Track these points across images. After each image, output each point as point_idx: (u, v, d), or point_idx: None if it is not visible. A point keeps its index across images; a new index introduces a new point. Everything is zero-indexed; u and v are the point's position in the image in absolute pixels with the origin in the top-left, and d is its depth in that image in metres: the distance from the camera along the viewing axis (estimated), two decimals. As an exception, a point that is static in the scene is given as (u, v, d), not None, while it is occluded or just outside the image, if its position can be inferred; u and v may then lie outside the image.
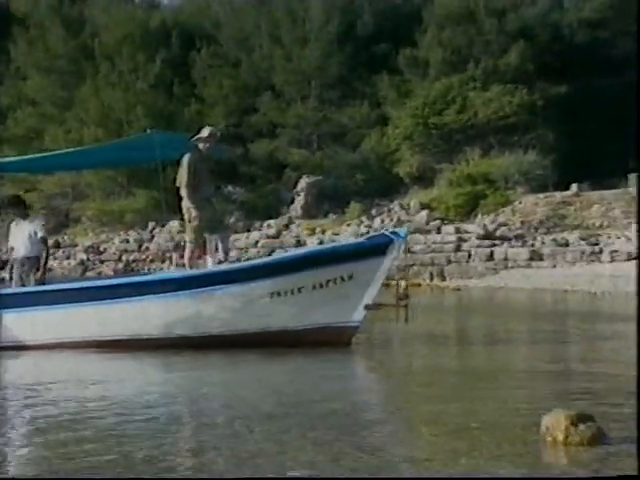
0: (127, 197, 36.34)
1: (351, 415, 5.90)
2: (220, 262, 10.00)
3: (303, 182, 33.84)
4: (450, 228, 27.93)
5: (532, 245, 26.41)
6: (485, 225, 27.84)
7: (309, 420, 5.64)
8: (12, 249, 10.40)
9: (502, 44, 34.80)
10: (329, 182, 34.01)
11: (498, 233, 27.32)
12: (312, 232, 30.67)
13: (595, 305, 16.27)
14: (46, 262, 10.31)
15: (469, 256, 26.65)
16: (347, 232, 29.70)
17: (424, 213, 29.74)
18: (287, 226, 32.19)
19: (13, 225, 10.53)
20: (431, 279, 25.91)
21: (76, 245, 33.48)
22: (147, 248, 32.40)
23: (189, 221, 10.09)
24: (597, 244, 25.56)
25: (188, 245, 10.34)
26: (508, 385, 7.44)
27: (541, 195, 29.14)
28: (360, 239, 11.32)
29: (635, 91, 34.94)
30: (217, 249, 10.10)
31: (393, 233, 9.48)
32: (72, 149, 13.53)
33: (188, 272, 10.03)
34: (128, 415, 5.93)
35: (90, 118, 37.05)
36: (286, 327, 9.22)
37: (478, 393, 6.91)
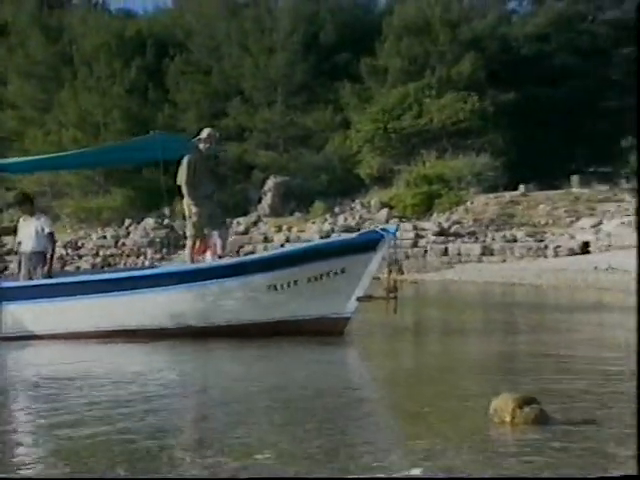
0: (104, 195, 36.06)
1: (324, 398, 5.90)
2: (220, 257, 9.92)
3: (270, 182, 33.80)
4: (408, 225, 28.05)
5: (483, 241, 26.62)
6: (440, 223, 28.01)
7: (290, 401, 5.65)
8: (20, 244, 10.29)
9: (455, 54, 35.00)
10: (295, 182, 33.99)
11: (452, 230, 27.51)
12: (279, 229, 30.65)
13: (540, 297, 16.44)
14: (52, 256, 10.19)
15: (425, 251, 26.81)
16: (312, 229, 29.73)
17: (384, 211, 29.86)
18: (255, 223, 32.13)
19: (21, 221, 10.41)
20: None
21: (56, 241, 33.10)
22: (123, 244, 32.16)
23: (189, 217, 10.02)
24: (542, 241, 25.82)
25: (189, 240, 10.23)
26: (460, 371, 7.52)
27: (491, 195, 29.37)
28: (352, 235, 11.31)
29: (579, 100, 35.14)
30: (216, 244, 10.03)
31: (384, 230, 9.47)
32: (82, 149, 13.27)
33: (190, 266, 9.90)
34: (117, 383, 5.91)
35: (69, 121, 36.71)
36: (283, 318, 9.15)
37: (433, 379, 6.98)
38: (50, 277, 10.00)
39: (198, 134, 10.19)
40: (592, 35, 37.33)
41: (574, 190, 29.34)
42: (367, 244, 9.21)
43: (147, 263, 29.46)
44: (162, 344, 8.96)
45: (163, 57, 38.67)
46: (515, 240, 26.23)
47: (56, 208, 36.13)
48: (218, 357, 8.56)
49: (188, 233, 10.27)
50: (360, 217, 30.08)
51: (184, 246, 32.73)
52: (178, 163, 9.96)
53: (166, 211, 33.64)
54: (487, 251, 25.96)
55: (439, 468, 4.01)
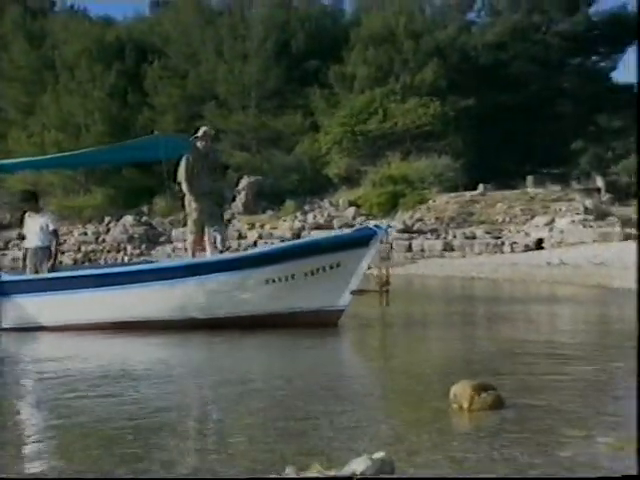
0: (85, 194, 35.74)
1: (300, 384, 5.90)
2: (221, 252, 9.82)
3: (244, 182, 33.68)
4: (374, 223, 28.06)
5: (445, 238, 26.75)
6: (404, 220, 28.10)
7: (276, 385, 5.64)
8: (25, 239, 10.20)
9: (418, 62, 35.12)
10: (267, 182, 33.91)
11: (415, 227, 27.61)
12: (252, 227, 30.56)
13: (497, 290, 16.55)
14: (57, 252, 10.08)
15: (390, 247, 26.84)
16: (284, 227, 29.68)
17: (351, 210, 29.89)
18: (230, 221, 31.99)
19: (27, 217, 10.28)
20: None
21: (38, 237, 32.78)
22: (103, 240, 31.91)
23: (190, 214, 9.91)
24: (500, 237, 26.01)
25: (189, 235, 10.12)
26: (423, 360, 7.54)
27: (452, 194, 29.51)
28: (347, 231, 11.25)
29: (536, 105, 35.35)
30: (216, 240, 9.92)
31: (376, 226, 9.44)
32: (88, 149, 12.96)
33: (191, 260, 9.79)
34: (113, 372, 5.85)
35: (51, 123, 36.33)
36: (281, 310, 9.07)
37: (397, 367, 7.00)
38: (54, 271, 9.89)
39: (195, 133, 10.08)
40: (545, 45, 37.63)
41: (529, 190, 29.58)
42: (361, 240, 9.14)
43: (126, 258, 29.29)
44: (162, 336, 8.81)
45: (142, 62, 38.38)
46: (474, 237, 26.39)
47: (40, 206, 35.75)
48: (221, 349, 8.48)
49: (189, 229, 10.15)
50: (329, 215, 30.08)
51: (162, 242, 32.54)
52: (177, 162, 9.88)
53: (144, 209, 33.45)
54: (448, 247, 26.09)
55: (401, 451, 4.01)
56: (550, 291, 15.36)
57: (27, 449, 4.34)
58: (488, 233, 26.41)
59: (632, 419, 4.73)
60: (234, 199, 33.60)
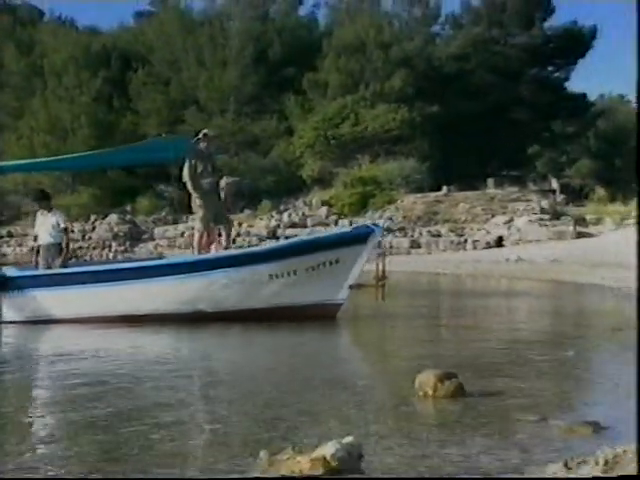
0: (72, 194, 35.38)
1: (290, 372, 5.90)
2: (225, 248, 9.73)
3: (223, 182, 33.11)
4: (345, 222, 28.10)
5: (412, 236, 26.83)
6: (374, 219, 28.13)
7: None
8: (38, 236, 10.08)
9: (387, 71, 35.19)
10: (245, 183, 33.80)
11: (384, 226, 27.64)
12: (231, 224, 30.43)
13: (460, 284, 16.65)
14: (68, 248, 10.00)
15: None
16: (260, 225, 29.62)
17: (324, 209, 29.88)
18: (210, 219, 31.89)
19: (39, 215, 10.15)
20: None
21: (27, 235, 32.42)
22: (89, 237, 31.62)
23: (196, 212, 9.81)
24: (462, 235, 26.11)
25: (196, 233, 10.00)
26: (390, 350, 7.58)
27: (419, 195, 29.59)
28: (346, 229, 11.19)
29: (500, 113, 35.44)
30: (221, 237, 9.79)
31: (374, 225, 9.40)
32: (101, 150, 12.60)
33: (199, 256, 9.66)
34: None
35: (40, 127, 35.94)
36: (283, 304, 8.98)
37: (368, 358, 7.03)
38: (65, 266, 9.79)
39: (197, 135, 10.04)
40: (504, 57, 37.91)
41: (489, 191, 29.75)
42: (359, 237, 9.11)
43: (111, 255, 29.08)
44: (170, 328, 8.69)
45: (126, 69, 38.09)
46: (439, 235, 26.50)
47: (28, 205, 35.39)
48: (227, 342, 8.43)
49: (196, 227, 10.05)
50: (302, 214, 30.06)
51: (145, 240, 32.22)
52: (182, 163, 9.78)
53: (128, 208, 33.20)
54: (415, 244, 26.18)
55: (369, 435, 4.03)
56: (509, 285, 15.49)
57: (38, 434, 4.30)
58: (452, 231, 26.53)
59: (583, 403, 4.79)
60: (213, 198, 33.45)
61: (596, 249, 19.61)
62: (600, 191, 30.39)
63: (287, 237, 25.99)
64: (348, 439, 3.20)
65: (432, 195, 29.42)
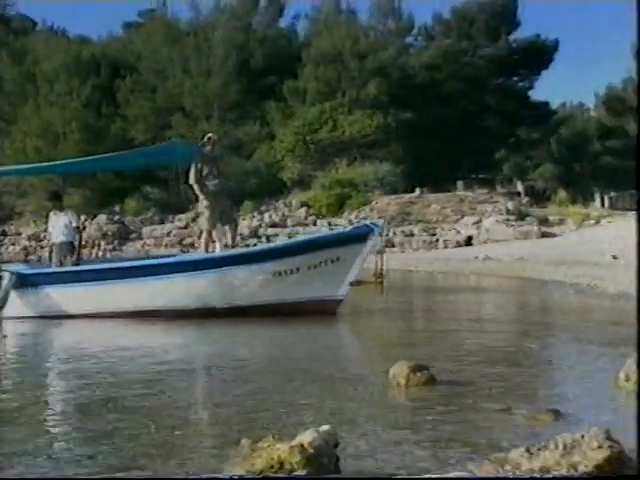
0: (63, 195, 35.05)
1: (277, 364, 5.89)
2: (232, 247, 9.65)
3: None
4: (324, 222, 28.17)
5: (387, 235, 26.87)
6: (350, 220, 28.16)
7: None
8: (51, 235, 9.98)
9: (363, 79, 35.23)
10: (228, 185, 33.69)
11: (384, 226, 27.60)
12: (215, 225, 30.31)
13: (432, 281, 16.73)
14: (79, 246, 9.87)
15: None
16: (243, 224, 29.53)
17: (303, 210, 29.88)
18: (194, 219, 31.75)
19: (52, 215, 10.05)
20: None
21: (20, 234, 32.12)
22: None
23: (202, 212, 9.75)
24: (434, 235, 26.23)
25: (204, 232, 9.91)
26: (363, 344, 7.60)
27: (393, 196, 29.66)
28: (347, 228, 11.16)
29: (469, 119, 35.60)
30: (227, 236, 9.71)
31: (373, 224, 9.38)
32: (108, 154, 12.29)
33: (206, 255, 9.59)
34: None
35: (32, 131, 35.60)
36: (287, 300, 8.94)
37: (344, 351, 7.05)
38: (78, 264, 9.69)
39: (202, 139, 9.97)
40: (473, 67, 38.15)
41: (459, 193, 29.90)
42: (359, 236, 9.10)
43: (100, 254, 28.90)
44: (180, 323, 8.61)
45: (115, 77, 37.82)
46: (412, 234, 26.59)
47: (21, 206, 35.06)
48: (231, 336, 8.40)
49: (203, 227, 9.95)
50: (283, 215, 30.05)
51: (133, 239, 32.04)
52: (188, 167, 9.71)
53: (117, 208, 32.98)
54: (389, 243, 26.22)
55: (345, 423, 4.05)
56: (478, 282, 15.59)
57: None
58: (424, 231, 26.64)
59: (545, 392, 4.83)
60: (197, 200, 33.29)
61: (559, 248, 19.80)
62: (562, 193, 30.64)
63: (268, 237, 25.98)
64: (325, 427, 3.21)
65: (406, 197, 29.51)
